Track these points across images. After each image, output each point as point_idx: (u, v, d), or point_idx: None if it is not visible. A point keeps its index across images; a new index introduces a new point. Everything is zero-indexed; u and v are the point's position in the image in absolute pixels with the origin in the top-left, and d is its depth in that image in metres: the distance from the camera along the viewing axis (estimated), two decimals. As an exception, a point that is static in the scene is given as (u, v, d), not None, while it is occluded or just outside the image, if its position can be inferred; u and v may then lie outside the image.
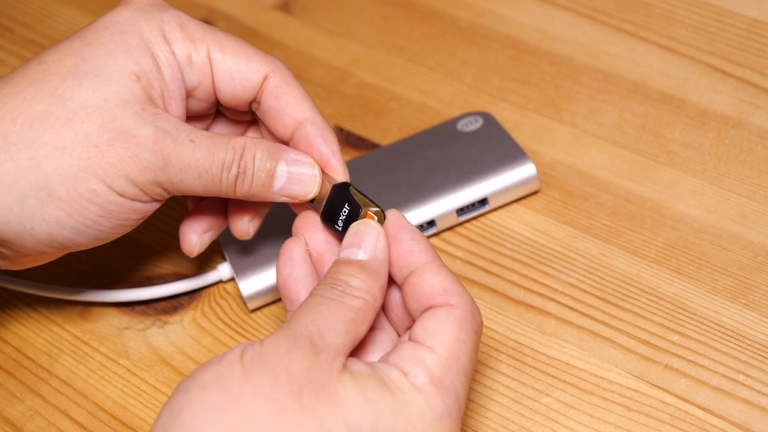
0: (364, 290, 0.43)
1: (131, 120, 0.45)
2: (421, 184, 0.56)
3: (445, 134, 0.59)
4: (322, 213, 0.48)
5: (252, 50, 0.49)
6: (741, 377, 0.48)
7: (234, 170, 0.46)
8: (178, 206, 0.61)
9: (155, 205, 0.47)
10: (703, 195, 0.56)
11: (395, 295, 0.46)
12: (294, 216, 0.50)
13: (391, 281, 0.45)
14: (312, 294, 0.43)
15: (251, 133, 0.52)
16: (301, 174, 0.48)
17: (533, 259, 0.55)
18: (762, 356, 0.49)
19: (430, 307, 0.43)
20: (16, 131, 0.44)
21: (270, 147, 0.47)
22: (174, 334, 0.55)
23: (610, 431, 0.47)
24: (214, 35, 0.48)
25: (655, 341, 0.50)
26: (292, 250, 0.47)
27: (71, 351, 0.55)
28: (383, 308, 0.46)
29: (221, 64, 0.48)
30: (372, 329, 0.45)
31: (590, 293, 0.53)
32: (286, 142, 0.49)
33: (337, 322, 0.41)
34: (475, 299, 0.44)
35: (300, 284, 0.46)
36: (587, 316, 0.52)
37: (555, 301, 0.53)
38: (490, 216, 0.57)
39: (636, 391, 0.49)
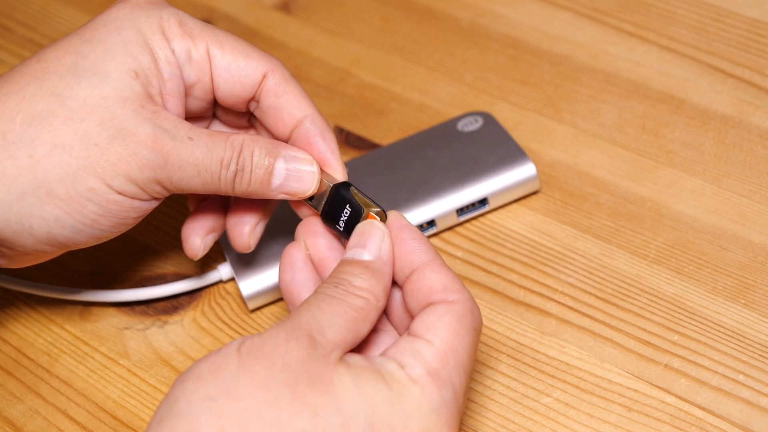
0: (367, 290, 0.43)
1: (130, 118, 0.45)
2: (421, 184, 0.56)
3: (445, 134, 0.59)
4: (322, 212, 0.48)
5: (251, 48, 0.49)
6: (741, 377, 0.48)
7: (232, 167, 0.46)
8: (178, 206, 0.61)
9: (154, 204, 0.47)
10: (703, 195, 0.56)
11: (396, 296, 0.46)
12: (295, 217, 0.50)
13: (393, 282, 0.45)
14: (315, 292, 0.43)
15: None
16: (299, 171, 0.47)
17: (533, 259, 0.55)
18: (762, 356, 0.49)
19: (429, 304, 0.43)
20: (15, 129, 0.44)
21: (268, 144, 0.47)
22: (174, 334, 0.55)
23: (610, 431, 0.47)
24: (213, 32, 0.48)
25: (655, 341, 0.50)
26: (293, 255, 0.47)
27: (71, 351, 0.55)
28: (385, 310, 0.46)
29: (220, 61, 0.48)
30: (374, 331, 0.45)
31: (590, 293, 0.53)
32: (284, 141, 0.49)
33: (338, 319, 0.41)
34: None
35: (302, 288, 0.46)
36: (587, 316, 0.52)
37: (555, 301, 0.53)
38: (490, 216, 0.57)
39: (636, 391, 0.49)
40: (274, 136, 0.50)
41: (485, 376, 0.50)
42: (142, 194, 0.46)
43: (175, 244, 0.59)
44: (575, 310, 0.52)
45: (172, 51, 0.47)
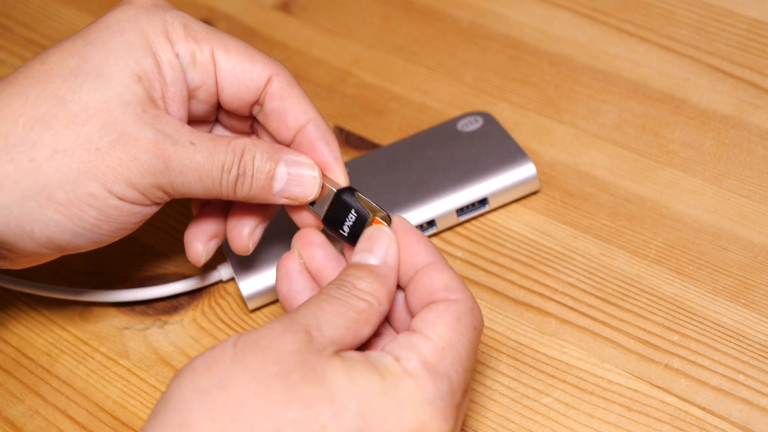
0: (370, 293, 0.43)
1: (132, 122, 0.45)
2: (421, 184, 0.56)
3: (445, 134, 0.59)
4: (324, 217, 0.48)
5: (255, 52, 0.49)
6: (741, 377, 0.48)
7: (234, 172, 0.46)
8: (179, 206, 0.61)
9: (155, 209, 0.47)
10: (703, 195, 0.56)
11: (399, 299, 0.46)
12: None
13: (397, 286, 0.45)
14: (319, 292, 0.43)
15: None
16: (301, 175, 0.47)
17: (533, 259, 0.55)
18: (762, 356, 0.49)
19: (431, 303, 0.43)
20: (17, 133, 0.44)
21: (270, 148, 0.47)
22: (174, 334, 0.55)
23: (610, 431, 0.47)
24: (217, 35, 0.48)
25: (655, 341, 0.50)
26: (287, 265, 0.47)
27: (71, 351, 0.55)
28: (388, 315, 0.46)
29: (225, 64, 0.48)
30: (376, 335, 0.45)
31: (590, 293, 0.53)
32: (287, 146, 0.49)
33: (338, 319, 0.41)
34: (476, 299, 0.44)
35: (300, 297, 0.46)
36: (587, 316, 0.52)
37: (555, 301, 0.53)
38: (490, 216, 0.57)
39: (636, 391, 0.49)
40: (277, 140, 0.50)
41: (485, 376, 0.50)
42: (143, 199, 0.46)
43: (175, 244, 0.59)
44: (575, 310, 0.52)
45: (176, 55, 0.47)
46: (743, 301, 0.51)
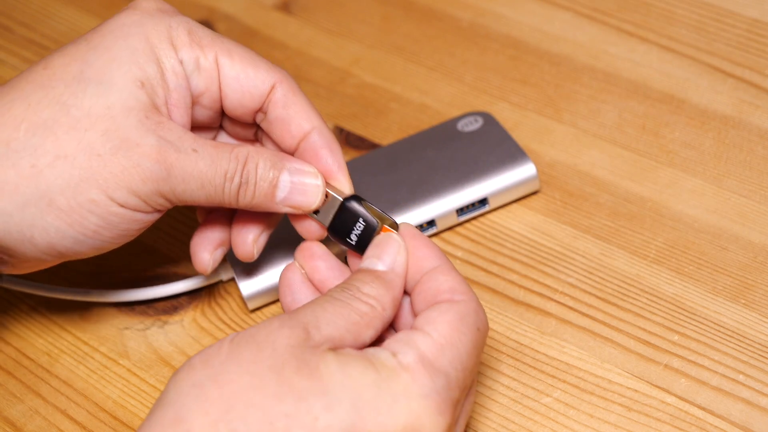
0: (374, 297, 0.43)
1: (134, 128, 0.45)
2: (421, 184, 0.56)
3: (445, 134, 0.59)
4: (329, 226, 0.48)
5: (259, 59, 0.48)
6: (741, 377, 0.48)
7: (237, 180, 0.46)
8: (180, 207, 0.60)
9: (157, 216, 0.47)
10: (703, 195, 0.56)
11: (405, 305, 0.46)
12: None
13: (404, 292, 0.45)
14: (324, 294, 0.43)
15: None
16: (304, 184, 0.47)
17: (533, 259, 0.55)
18: (762, 356, 0.49)
19: (435, 303, 0.43)
20: (19, 138, 0.44)
21: (273, 156, 0.47)
22: (174, 334, 0.55)
23: (610, 431, 0.47)
24: (222, 42, 0.48)
25: (655, 341, 0.50)
26: (289, 277, 0.47)
27: (71, 351, 0.55)
28: (393, 322, 0.46)
29: (229, 70, 0.48)
30: (379, 340, 0.45)
31: (590, 293, 0.53)
32: (291, 154, 0.49)
33: (339, 320, 0.41)
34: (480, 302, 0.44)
35: None
36: (587, 316, 0.52)
37: (555, 301, 0.53)
38: (490, 216, 0.57)
39: (636, 391, 0.49)
40: (280, 148, 0.49)
41: (485, 376, 0.50)
42: (145, 206, 0.45)
43: (175, 244, 0.59)
44: (575, 310, 0.52)
45: (180, 61, 0.47)
46: (743, 301, 0.51)
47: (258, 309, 0.55)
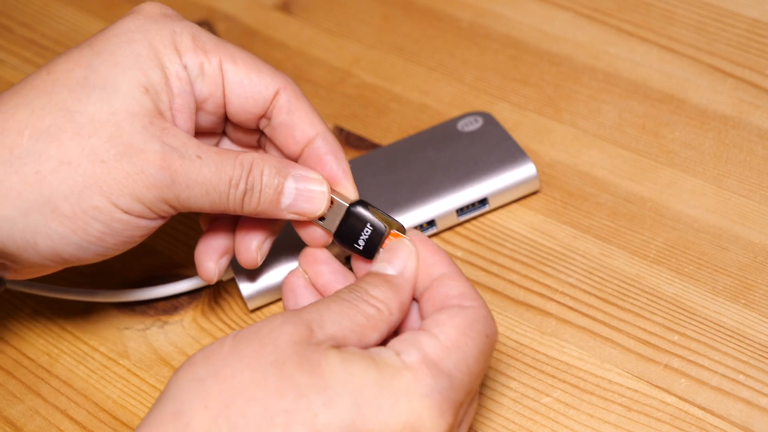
0: (381, 300, 0.43)
1: (139, 134, 0.44)
2: (421, 184, 0.56)
3: (445, 134, 0.59)
4: (336, 232, 0.48)
5: (263, 65, 0.48)
6: (741, 377, 0.48)
7: (242, 187, 0.46)
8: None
9: (160, 222, 0.46)
10: (703, 195, 0.56)
11: (414, 312, 0.46)
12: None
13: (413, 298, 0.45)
14: (332, 294, 0.43)
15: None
16: (309, 191, 0.47)
17: (533, 259, 0.55)
18: (762, 356, 0.49)
19: (444, 308, 0.43)
20: (23, 144, 0.44)
21: (278, 163, 0.47)
22: (174, 334, 0.55)
23: (610, 431, 0.47)
24: (226, 47, 0.48)
25: (655, 341, 0.50)
26: (292, 281, 0.47)
27: (71, 351, 0.55)
28: (401, 327, 0.46)
29: (233, 76, 0.47)
30: (383, 344, 0.45)
31: (590, 293, 0.53)
32: (295, 160, 0.49)
33: (343, 319, 0.41)
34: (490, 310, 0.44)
35: None
36: (587, 316, 0.52)
37: (555, 301, 0.53)
38: (490, 216, 0.57)
39: (636, 391, 0.49)
40: (284, 154, 0.49)
41: (486, 376, 0.50)
42: (149, 213, 0.45)
43: (175, 244, 0.59)
44: (575, 310, 0.52)
45: (184, 66, 0.46)
46: (743, 301, 0.51)
47: (258, 309, 0.55)
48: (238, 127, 0.50)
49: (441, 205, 0.56)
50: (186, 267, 0.58)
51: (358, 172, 0.58)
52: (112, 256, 0.47)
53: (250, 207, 0.47)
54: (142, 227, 0.46)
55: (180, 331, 0.55)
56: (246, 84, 0.48)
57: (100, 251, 0.46)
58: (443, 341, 0.41)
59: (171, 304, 0.56)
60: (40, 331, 0.56)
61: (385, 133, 0.63)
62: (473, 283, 0.54)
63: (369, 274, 0.45)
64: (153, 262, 0.58)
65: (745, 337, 0.50)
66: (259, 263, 0.50)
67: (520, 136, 0.61)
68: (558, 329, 0.52)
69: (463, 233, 0.57)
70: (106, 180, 0.44)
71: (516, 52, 0.66)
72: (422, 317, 0.44)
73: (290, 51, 0.69)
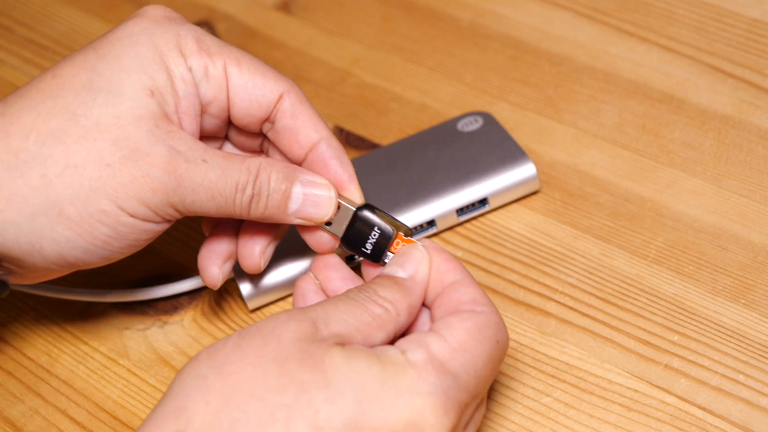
0: (389, 301, 0.43)
1: (144, 138, 0.44)
2: (421, 184, 0.56)
3: (445, 134, 0.59)
4: (343, 236, 0.48)
5: (267, 68, 0.48)
6: (741, 377, 0.48)
7: (249, 192, 0.46)
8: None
9: (166, 226, 0.46)
10: (703, 195, 0.56)
11: (425, 318, 0.45)
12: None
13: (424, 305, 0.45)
14: (341, 294, 0.43)
15: None
16: (317, 196, 0.47)
17: (533, 259, 0.55)
18: (762, 356, 0.49)
19: (455, 312, 0.43)
20: (28, 148, 0.44)
21: (285, 168, 0.47)
22: (174, 334, 0.55)
23: (610, 431, 0.47)
24: (230, 50, 0.48)
25: (655, 341, 0.50)
26: (303, 286, 0.47)
27: (71, 351, 0.55)
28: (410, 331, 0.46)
29: (237, 79, 0.47)
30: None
31: (590, 293, 0.53)
32: (298, 164, 0.49)
33: (349, 318, 0.41)
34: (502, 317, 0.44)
35: None
36: (587, 316, 0.52)
37: (555, 301, 0.53)
38: (490, 216, 0.57)
39: (636, 391, 0.49)
40: (288, 158, 0.49)
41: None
42: (155, 217, 0.45)
43: (175, 244, 0.59)
44: (575, 310, 0.52)
45: (189, 69, 0.46)
46: (743, 301, 0.51)
47: (258, 309, 0.55)
48: (241, 131, 0.50)
49: (441, 205, 0.56)
50: (186, 267, 0.58)
51: (358, 172, 0.57)
52: (118, 259, 0.47)
53: (257, 212, 0.47)
54: (148, 231, 0.46)
55: (180, 331, 0.55)
56: (250, 87, 0.48)
57: (106, 254, 0.46)
58: (451, 342, 0.41)
59: (171, 304, 0.56)
60: (40, 331, 0.56)
61: (385, 133, 0.63)
62: (473, 283, 0.54)
63: (380, 275, 0.45)
64: (153, 262, 0.58)
65: (745, 337, 0.50)
66: (263, 268, 0.50)
67: (520, 136, 0.61)
68: (558, 329, 0.52)
69: (463, 233, 0.57)
70: (112, 183, 0.44)
71: (516, 52, 0.66)
72: (433, 321, 0.44)
73: (290, 51, 0.69)
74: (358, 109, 0.65)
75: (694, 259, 0.53)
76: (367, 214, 0.48)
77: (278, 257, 0.54)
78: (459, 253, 0.56)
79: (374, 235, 0.47)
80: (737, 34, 0.64)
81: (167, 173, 0.44)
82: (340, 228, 0.48)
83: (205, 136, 0.49)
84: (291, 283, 0.54)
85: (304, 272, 0.54)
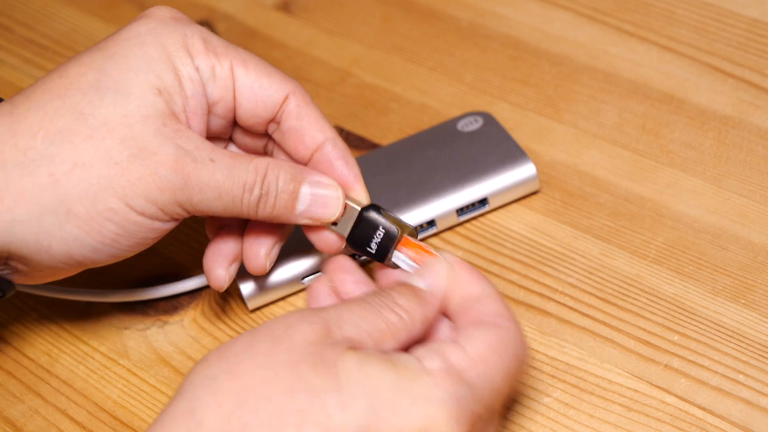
0: (405, 309, 0.42)
1: (152, 137, 0.44)
2: (421, 184, 0.56)
3: (445, 134, 0.59)
4: (348, 236, 0.48)
5: (273, 69, 0.48)
6: (741, 377, 0.48)
7: (256, 192, 0.46)
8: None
9: (174, 224, 0.47)
10: (703, 195, 0.56)
11: (444, 328, 0.45)
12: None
13: (446, 316, 0.45)
14: (356, 297, 0.43)
15: None
16: (324, 196, 0.47)
17: (533, 259, 0.55)
18: (762, 356, 0.49)
19: (477, 324, 0.42)
20: (36, 147, 0.44)
21: (292, 168, 0.47)
22: (174, 334, 0.55)
23: (610, 431, 0.47)
24: (236, 51, 0.48)
25: (655, 341, 0.50)
26: (316, 288, 0.46)
27: (71, 351, 0.55)
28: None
29: (244, 79, 0.47)
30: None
31: (590, 293, 0.53)
32: (304, 165, 0.49)
33: (363, 322, 0.41)
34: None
35: None
36: (587, 316, 0.52)
37: (555, 301, 0.53)
38: (490, 216, 0.57)
39: (636, 391, 0.49)
40: (293, 159, 0.49)
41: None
42: (162, 215, 0.45)
43: (175, 244, 0.59)
44: (575, 310, 0.52)
45: (196, 68, 0.47)
46: (743, 301, 0.51)
47: (258, 309, 0.55)
48: (246, 132, 0.50)
49: (441, 205, 0.56)
50: (186, 267, 0.58)
51: (358, 172, 0.58)
52: (125, 257, 0.47)
53: (265, 212, 0.47)
54: (156, 229, 0.46)
55: (180, 331, 0.55)
56: (256, 87, 0.48)
57: (114, 253, 0.46)
58: (470, 353, 0.41)
59: (171, 304, 0.56)
60: (40, 331, 0.56)
61: (385, 133, 0.63)
62: (473, 283, 0.54)
63: (398, 283, 0.44)
64: (153, 262, 0.58)
65: (745, 337, 0.50)
66: (268, 269, 0.50)
67: (520, 136, 0.61)
68: (558, 329, 0.52)
69: (463, 233, 0.57)
70: (120, 182, 0.44)
71: (516, 52, 0.66)
72: (455, 332, 0.43)
73: (290, 51, 0.69)
74: (358, 109, 0.65)
75: (694, 259, 0.53)
76: (373, 214, 0.48)
77: (278, 258, 0.54)
78: (459, 253, 0.56)
79: (379, 234, 0.47)
80: (737, 34, 0.64)
81: (175, 172, 0.44)
82: (346, 228, 0.48)
83: (210, 137, 0.49)
84: (291, 283, 0.54)
85: (304, 272, 0.54)
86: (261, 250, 0.49)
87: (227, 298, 0.56)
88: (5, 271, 0.46)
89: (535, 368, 0.50)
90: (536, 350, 0.51)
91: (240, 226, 0.50)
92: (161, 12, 0.48)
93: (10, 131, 0.44)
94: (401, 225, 0.48)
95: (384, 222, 0.47)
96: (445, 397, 0.39)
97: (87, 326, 0.56)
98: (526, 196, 0.58)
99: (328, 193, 0.47)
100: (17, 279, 0.47)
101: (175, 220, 0.46)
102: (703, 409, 0.48)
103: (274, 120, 0.49)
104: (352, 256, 0.54)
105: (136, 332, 0.55)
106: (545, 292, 0.53)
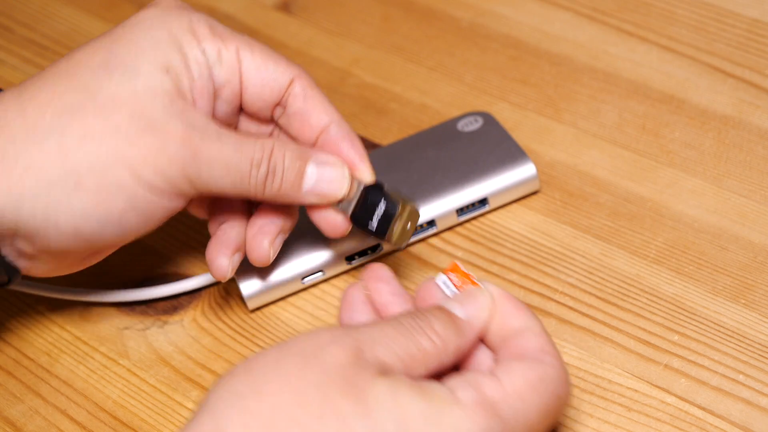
0: (441, 336, 0.41)
1: (160, 113, 0.45)
2: (421, 184, 0.56)
3: (445, 134, 0.59)
4: (351, 214, 0.48)
5: (278, 55, 0.49)
6: (741, 377, 0.48)
7: (263, 168, 0.46)
8: (178, 206, 0.61)
9: (180, 204, 0.47)
10: (703, 195, 0.56)
11: (484, 359, 0.44)
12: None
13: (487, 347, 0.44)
14: (391, 317, 0.42)
15: None
16: (331, 173, 0.48)
17: (533, 259, 0.55)
18: (762, 356, 0.49)
19: (520, 358, 0.41)
20: (45, 121, 0.44)
21: (298, 148, 0.47)
22: (174, 334, 0.55)
23: (610, 431, 0.47)
24: (241, 36, 0.48)
25: (655, 341, 0.50)
26: (351, 294, 0.46)
27: (71, 351, 0.55)
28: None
29: (250, 63, 0.48)
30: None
31: (590, 293, 0.53)
32: (310, 147, 0.49)
33: (396, 346, 0.40)
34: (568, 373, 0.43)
35: None
36: (587, 316, 0.52)
37: (555, 301, 0.53)
38: (490, 216, 0.57)
39: (636, 391, 0.49)
40: (300, 142, 0.50)
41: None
42: (171, 189, 0.45)
43: (175, 244, 0.59)
44: (575, 310, 0.52)
45: (203, 51, 0.47)
46: (743, 301, 0.51)
47: (258, 309, 0.55)
48: (252, 118, 0.50)
49: (441, 205, 0.56)
50: (186, 267, 0.58)
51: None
52: (131, 239, 0.47)
53: (272, 190, 0.47)
54: (163, 207, 0.46)
55: (180, 331, 0.55)
56: (263, 71, 0.48)
57: (120, 231, 0.46)
58: (506, 386, 0.39)
59: (171, 304, 0.56)
60: (40, 331, 0.56)
61: (385, 133, 0.63)
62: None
63: (437, 307, 0.43)
64: (153, 262, 0.58)
65: (745, 337, 0.50)
66: (272, 260, 0.50)
67: (520, 136, 0.61)
68: (558, 329, 0.52)
69: (463, 233, 0.57)
70: (130, 154, 0.44)
71: (516, 52, 0.66)
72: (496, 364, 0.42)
73: (290, 51, 0.69)
74: (358, 109, 0.65)
75: (694, 259, 0.53)
76: (374, 191, 0.48)
77: (278, 257, 0.54)
78: (459, 253, 0.56)
79: (380, 210, 0.48)
80: (737, 34, 0.64)
81: (184, 146, 0.45)
82: (350, 207, 0.48)
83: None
84: (291, 283, 0.54)
85: (305, 272, 0.54)
86: (265, 240, 0.49)
87: (227, 298, 0.56)
88: (11, 255, 0.47)
89: (535, 368, 0.50)
90: (536, 350, 0.51)
91: (243, 219, 0.50)
92: (167, 1, 0.49)
93: (19, 109, 0.45)
94: (404, 201, 0.48)
95: (386, 197, 0.48)
96: (474, 429, 0.38)
97: (87, 326, 0.56)
98: (526, 196, 0.58)
99: (334, 170, 0.48)
100: (22, 266, 0.47)
101: (183, 198, 0.46)
102: (703, 409, 0.48)
103: (279, 104, 0.49)
104: (349, 258, 0.54)
105: (136, 332, 0.55)
106: (545, 292, 0.53)
